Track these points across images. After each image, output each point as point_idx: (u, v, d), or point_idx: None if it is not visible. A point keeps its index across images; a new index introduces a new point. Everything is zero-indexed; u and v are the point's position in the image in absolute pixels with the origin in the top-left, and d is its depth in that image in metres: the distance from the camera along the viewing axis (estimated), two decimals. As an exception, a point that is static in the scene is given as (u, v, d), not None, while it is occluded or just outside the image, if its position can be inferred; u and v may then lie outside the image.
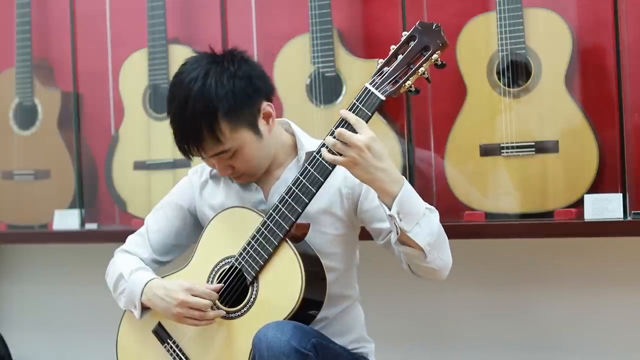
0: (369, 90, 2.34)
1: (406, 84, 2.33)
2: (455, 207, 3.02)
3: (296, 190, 2.39)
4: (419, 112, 3.12)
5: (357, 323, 2.64)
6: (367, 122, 2.32)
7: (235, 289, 2.47)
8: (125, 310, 2.64)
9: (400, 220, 2.30)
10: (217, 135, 2.42)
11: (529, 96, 2.94)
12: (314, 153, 2.38)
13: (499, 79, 2.97)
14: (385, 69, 2.35)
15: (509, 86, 2.95)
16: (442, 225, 2.40)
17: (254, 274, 2.43)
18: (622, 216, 2.83)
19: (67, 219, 3.61)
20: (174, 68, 3.37)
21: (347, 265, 2.57)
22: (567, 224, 2.88)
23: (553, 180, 2.93)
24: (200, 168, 2.69)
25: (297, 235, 2.43)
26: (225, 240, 2.51)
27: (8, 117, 3.72)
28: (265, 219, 2.43)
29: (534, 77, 2.92)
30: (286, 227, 2.40)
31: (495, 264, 3.19)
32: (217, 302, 2.46)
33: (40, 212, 3.69)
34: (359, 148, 2.27)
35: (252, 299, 2.44)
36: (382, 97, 2.33)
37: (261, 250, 2.42)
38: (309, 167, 2.38)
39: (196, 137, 2.43)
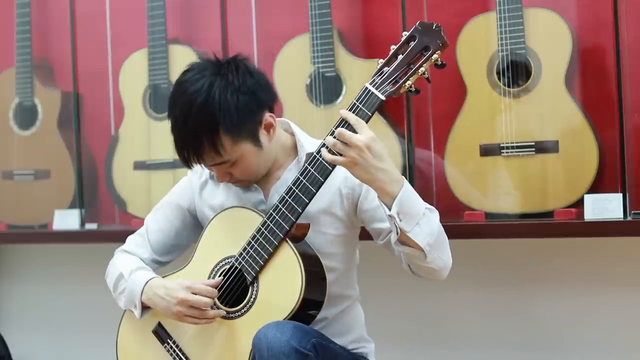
0: (369, 90, 2.34)
1: (406, 84, 2.33)
2: (455, 207, 3.02)
3: (296, 191, 2.39)
4: (419, 112, 3.12)
5: (357, 323, 2.64)
6: (367, 122, 2.32)
7: (235, 289, 2.47)
8: (125, 310, 2.64)
9: (400, 220, 2.30)
10: (217, 149, 2.42)
11: (529, 96, 2.94)
12: (314, 153, 2.38)
13: (499, 79, 2.97)
14: (386, 69, 2.35)
15: (509, 86, 2.95)
16: (442, 225, 2.40)
17: (254, 274, 2.43)
18: (622, 216, 2.83)
19: (67, 219, 3.61)
20: (174, 68, 3.39)
21: (347, 265, 2.57)
22: (567, 224, 2.88)
23: (553, 180, 2.93)
24: (199, 168, 2.68)
25: (297, 235, 2.43)
26: (225, 240, 2.51)
27: (8, 117, 3.72)
28: (265, 219, 2.43)
29: (534, 77, 2.92)
30: (286, 227, 2.40)
31: (495, 264, 3.19)
32: (217, 302, 2.46)
33: (40, 212, 3.68)
34: (359, 148, 2.27)
35: (252, 299, 2.44)
36: (382, 97, 2.33)
37: (261, 250, 2.42)
38: (309, 167, 2.38)
39: (196, 148, 2.43)
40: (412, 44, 2.34)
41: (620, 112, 2.87)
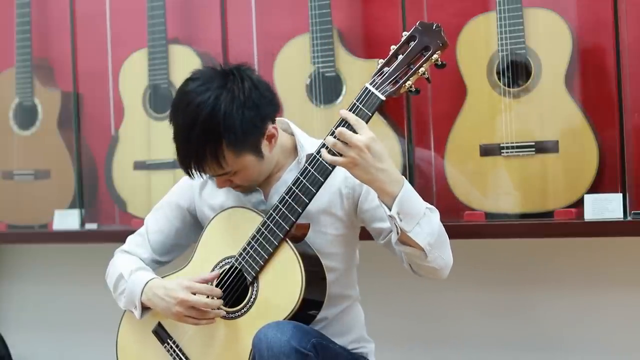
0: (369, 90, 2.34)
1: (406, 84, 2.33)
2: (455, 207, 3.02)
3: (296, 191, 2.39)
4: (419, 112, 3.12)
5: (357, 323, 2.64)
6: (367, 122, 2.32)
7: (235, 289, 2.47)
8: (125, 310, 2.64)
9: (401, 220, 2.30)
10: (219, 161, 2.42)
11: (529, 96, 2.94)
12: (314, 153, 2.38)
13: (499, 79, 2.97)
14: (386, 69, 2.35)
15: (509, 86, 2.95)
16: (442, 225, 2.40)
17: (254, 274, 2.43)
18: (622, 216, 2.83)
19: (67, 219, 3.61)
20: (174, 68, 3.39)
21: (347, 265, 2.57)
22: (567, 224, 2.88)
23: (553, 180, 2.93)
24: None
25: (297, 235, 2.43)
26: (225, 240, 2.51)
27: (8, 117, 3.72)
28: (265, 219, 2.43)
29: (534, 77, 2.92)
30: (286, 227, 2.40)
31: (495, 264, 3.19)
32: (217, 301, 2.46)
33: (40, 212, 3.68)
34: (358, 148, 2.27)
35: (252, 299, 2.44)
36: (382, 97, 2.33)
37: (261, 251, 2.42)
38: (309, 168, 2.38)
39: (199, 159, 2.42)
40: (412, 44, 2.34)
41: (620, 112, 2.87)
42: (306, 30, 3.19)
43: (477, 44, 3.01)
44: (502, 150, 2.96)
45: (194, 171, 2.46)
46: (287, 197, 2.41)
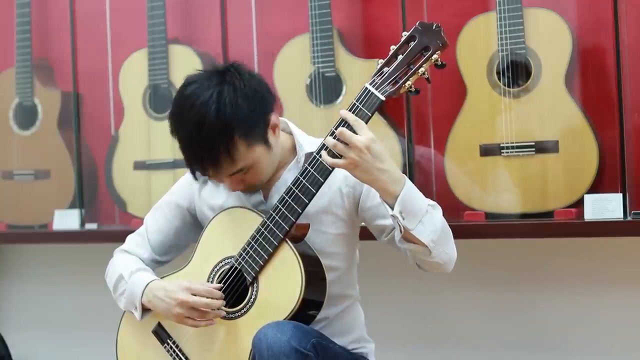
0: (369, 90, 2.34)
1: (406, 84, 2.33)
2: (455, 207, 3.02)
3: (296, 191, 2.39)
4: (419, 112, 3.12)
5: (357, 323, 2.64)
6: (367, 122, 2.31)
7: (235, 289, 2.47)
8: (125, 311, 2.64)
9: (403, 219, 2.30)
10: (234, 157, 2.40)
11: (529, 96, 2.94)
12: (314, 153, 2.38)
13: (499, 79, 2.97)
14: (385, 69, 2.35)
15: (509, 86, 2.95)
16: (445, 220, 2.40)
17: (254, 274, 2.43)
18: (622, 216, 2.83)
19: (67, 219, 3.61)
20: (174, 68, 3.39)
21: (347, 264, 2.57)
22: (567, 224, 2.88)
23: (553, 180, 2.93)
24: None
25: (297, 235, 2.43)
26: (225, 240, 2.51)
27: (8, 117, 3.72)
28: (265, 219, 2.43)
29: (534, 77, 2.92)
30: (286, 227, 2.40)
31: (495, 264, 3.19)
32: (217, 302, 2.46)
33: (40, 212, 3.68)
34: (358, 149, 2.27)
35: (252, 299, 2.44)
36: (382, 98, 2.33)
37: (261, 251, 2.42)
38: (309, 168, 2.38)
39: (214, 160, 2.40)
40: (412, 44, 2.34)
41: (620, 112, 2.87)
42: (306, 30, 3.19)
43: (477, 44, 3.01)
44: (502, 150, 2.96)
45: (209, 174, 2.44)
46: (287, 198, 2.40)
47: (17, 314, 4.01)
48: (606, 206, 2.84)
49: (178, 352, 2.53)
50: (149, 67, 3.46)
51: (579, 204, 2.88)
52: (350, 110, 2.33)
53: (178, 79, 3.38)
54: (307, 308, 2.41)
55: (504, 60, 2.94)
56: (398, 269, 3.26)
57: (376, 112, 2.35)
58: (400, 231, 2.33)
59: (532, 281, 3.15)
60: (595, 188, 2.87)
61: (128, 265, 2.62)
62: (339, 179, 2.49)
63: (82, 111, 3.65)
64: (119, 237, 2.80)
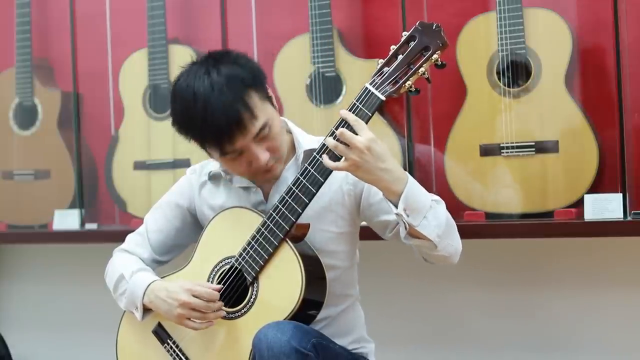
0: (369, 90, 2.34)
1: (406, 84, 2.33)
2: (456, 207, 3.02)
3: (296, 191, 2.39)
4: (419, 112, 3.12)
5: (357, 323, 2.64)
6: (367, 122, 2.31)
7: (235, 289, 2.47)
8: (125, 311, 2.64)
9: (408, 216, 2.30)
10: (252, 110, 2.38)
11: (529, 96, 2.94)
12: (314, 153, 2.38)
13: (499, 79, 2.97)
14: (385, 69, 2.35)
15: (509, 86, 2.95)
16: (449, 213, 2.41)
17: (254, 274, 2.43)
18: (622, 216, 2.83)
19: (67, 219, 3.61)
20: (174, 68, 3.39)
21: (348, 263, 2.57)
22: (567, 224, 2.88)
23: (553, 180, 2.93)
24: (199, 167, 2.68)
25: (297, 235, 2.43)
26: (225, 240, 2.51)
27: (8, 117, 3.72)
28: (265, 219, 2.43)
29: (534, 77, 2.92)
30: (286, 227, 2.40)
31: (495, 264, 3.19)
32: (217, 303, 2.46)
33: (40, 212, 3.69)
34: (359, 150, 2.27)
35: (252, 299, 2.44)
36: (382, 97, 2.33)
37: (261, 251, 2.42)
38: (309, 168, 2.38)
39: (236, 118, 2.37)
40: (412, 44, 2.34)
41: (620, 112, 2.87)
42: (306, 30, 3.19)
43: (477, 44, 3.01)
44: (502, 150, 2.96)
45: (237, 136, 2.38)
46: (287, 197, 2.40)
47: (17, 314, 4.01)
48: (606, 206, 2.84)
49: (178, 352, 2.53)
50: (149, 67, 3.46)
51: (579, 204, 2.89)
52: (350, 110, 2.33)
53: (178, 79, 3.39)
54: (307, 308, 2.41)
55: (504, 60, 2.95)
56: (398, 269, 3.27)
57: (376, 112, 2.35)
58: (405, 228, 2.34)
59: (532, 281, 3.15)
60: (595, 188, 2.87)
61: (129, 265, 2.62)
62: (340, 177, 2.49)
63: (82, 111, 3.65)
64: (119, 237, 2.80)
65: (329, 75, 3.17)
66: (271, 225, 2.42)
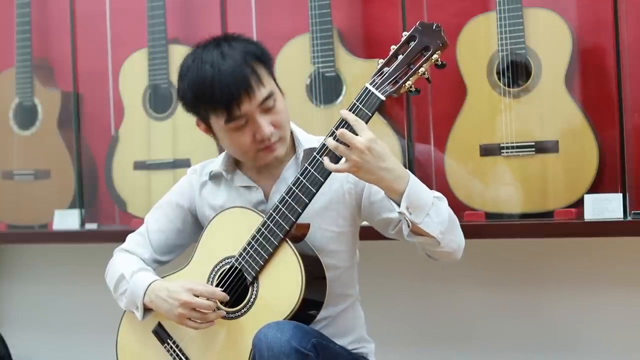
0: (369, 90, 2.34)
1: (406, 84, 2.33)
2: (456, 207, 3.00)
3: (296, 191, 2.39)
4: (419, 112, 3.12)
5: (357, 323, 2.64)
6: (367, 122, 2.32)
7: (235, 289, 2.47)
8: (125, 310, 2.64)
9: (410, 214, 2.31)
10: (259, 76, 2.44)
11: (529, 96, 2.94)
12: (314, 153, 2.38)
13: (499, 79, 2.97)
14: (386, 69, 2.35)
15: (509, 86, 2.96)
16: (451, 209, 2.41)
17: (254, 274, 2.43)
18: (622, 216, 2.83)
19: (67, 219, 3.61)
20: (174, 68, 3.38)
21: (348, 263, 2.58)
22: (567, 224, 2.88)
23: (553, 180, 2.93)
24: (199, 167, 2.69)
25: (297, 235, 2.43)
26: (225, 240, 2.51)
27: (8, 117, 3.72)
28: (265, 219, 2.43)
29: (534, 77, 2.92)
30: (286, 227, 2.40)
31: (495, 264, 3.19)
32: (218, 303, 2.46)
33: (40, 212, 3.69)
34: (359, 150, 2.27)
35: (252, 299, 2.44)
36: (382, 97, 2.33)
37: (261, 251, 2.42)
38: (309, 168, 2.38)
39: (244, 80, 2.41)
40: (412, 44, 2.34)
41: (620, 112, 2.87)
42: (306, 30, 3.19)
43: (477, 44, 3.01)
44: (502, 150, 2.97)
45: (244, 100, 2.42)
46: (287, 197, 2.41)
47: (17, 314, 4.01)
48: (606, 206, 2.84)
49: (178, 352, 2.53)
50: (149, 67, 3.46)
51: (579, 204, 2.89)
52: (350, 110, 2.34)
53: (178, 79, 3.39)
54: (307, 308, 2.41)
55: (504, 60, 2.95)
56: (398, 269, 3.27)
57: (376, 112, 2.35)
58: (408, 226, 2.34)
59: (532, 281, 3.15)
60: (595, 188, 2.87)
61: (129, 265, 2.62)
62: (341, 177, 2.49)
63: (82, 111, 3.65)
64: (119, 237, 2.80)
65: (329, 75, 3.17)
66: (271, 225, 2.42)
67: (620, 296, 3.04)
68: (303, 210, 2.40)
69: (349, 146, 2.28)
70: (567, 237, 2.99)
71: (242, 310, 2.45)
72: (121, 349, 2.65)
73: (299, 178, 2.40)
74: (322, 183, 2.38)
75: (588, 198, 2.87)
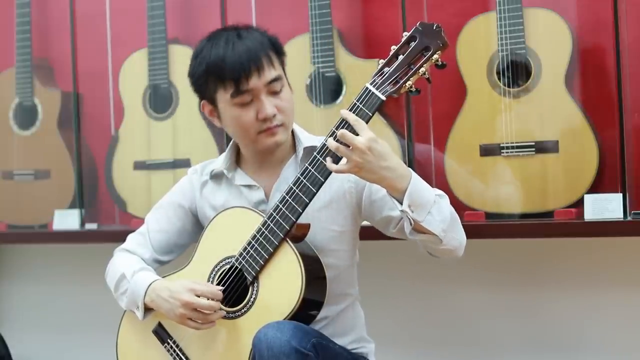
0: (370, 90, 2.34)
1: (407, 84, 2.33)
2: (456, 207, 3.00)
3: (297, 190, 2.40)
4: (419, 112, 3.12)
5: (357, 323, 2.64)
6: (367, 122, 2.32)
7: (235, 289, 2.47)
8: (125, 310, 2.64)
9: (412, 212, 2.31)
10: (270, 57, 2.49)
11: (529, 96, 2.94)
12: (315, 153, 2.38)
13: (499, 79, 2.97)
14: (386, 69, 2.35)
15: (509, 86, 2.96)
16: (452, 207, 2.42)
17: (254, 274, 2.43)
18: (622, 216, 2.83)
19: (67, 219, 3.61)
20: (174, 68, 3.39)
21: (348, 262, 2.58)
22: (567, 224, 2.88)
23: (553, 180, 2.93)
24: (200, 167, 2.69)
25: (297, 235, 2.44)
26: (225, 240, 2.52)
27: (8, 117, 3.72)
28: (265, 219, 2.43)
29: (534, 77, 2.92)
30: (287, 227, 2.40)
31: (495, 264, 3.19)
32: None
33: (40, 212, 3.68)
34: (360, 150, 2.27)
35: (252, 299, 2.44)
36: (383, 97, 2.33)
37: (261, 250, 2.42)
38: (309, 167, 2.38)
39: (255, 56, 2.46)
40: (413, 44, 2.35)
41: (620, 112, 2.87)
42: (306, 30, 3.19)
43: (477, 44, 3.01)
44: (502, 150, 2.97)
45: (252, 75, 2.45)
46: (287, 197, 2.41)
47: (17, 314, 4.01)
48: (606, 206, 2.84)
49: (178, 352, 2.53)
50: (149, 67, 3.46)
51: (579, 204, 2.89)
52: (350, 110, 2.34)
53: (178, 79, 3.39)
54: (307, 308, 2.41)
55: (504, 60, 2.95)
56: (398, 269, 3.27)
57: (376, 112, 2.35)
58: (410, 224, 2.34)
59: (532, 281, 3.15)
60: (595, 188, 2.87)
61: (130, 265, 2.62)
62: (341, 176, 2.49)
63: (82, 111, 3.65)
64: (119, 237, 2.81)
65: (329, 75, 3.17)
66: (271, 225, 2.42)
67: (620, 296, 3.04)
68: (303, 210, 2.40)
69: (349, 147, 2.28)
70: (567, 237, 2.99)
71: (242, 310, 2.45)
72: (121, 348, 2.66)
73: (299, 178, 2.40)
74: (323, 183, 2.38)
75: (588, 198, 2.87)
